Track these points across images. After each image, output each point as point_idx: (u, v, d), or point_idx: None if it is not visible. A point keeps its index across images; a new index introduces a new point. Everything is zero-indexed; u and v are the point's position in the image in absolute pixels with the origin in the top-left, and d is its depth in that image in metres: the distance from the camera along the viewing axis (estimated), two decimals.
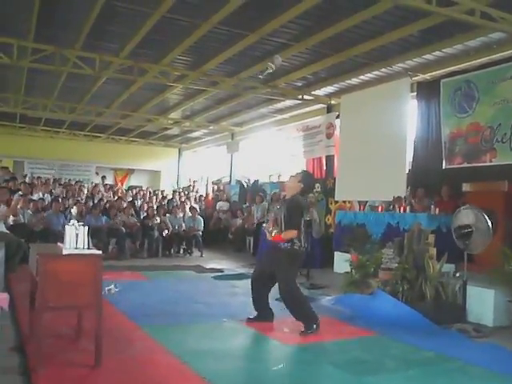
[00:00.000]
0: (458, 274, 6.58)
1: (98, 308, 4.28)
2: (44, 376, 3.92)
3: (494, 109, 9.16)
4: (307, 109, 15.21)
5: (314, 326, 5.59)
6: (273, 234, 5.73)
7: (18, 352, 4.52)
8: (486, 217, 6.33)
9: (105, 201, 14.31)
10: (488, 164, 9.20)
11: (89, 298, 4.27)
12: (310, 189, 6.15)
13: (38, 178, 17.73)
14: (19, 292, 6.41)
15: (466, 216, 6.48)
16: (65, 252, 4.29)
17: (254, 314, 6.06)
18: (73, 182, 18.34)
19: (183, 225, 13.88)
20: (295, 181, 5.91)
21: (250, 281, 6.14)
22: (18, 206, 10.98)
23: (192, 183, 21.24)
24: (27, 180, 16.14)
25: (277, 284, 5.85)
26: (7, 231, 8.90)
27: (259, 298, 6.02)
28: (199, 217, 14.38)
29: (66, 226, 4.46)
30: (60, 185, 17.00)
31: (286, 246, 5.67)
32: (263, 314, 6.02)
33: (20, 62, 10.71)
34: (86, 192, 16.09)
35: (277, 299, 6.19)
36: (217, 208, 17.25)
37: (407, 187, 10.16)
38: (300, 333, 5.56)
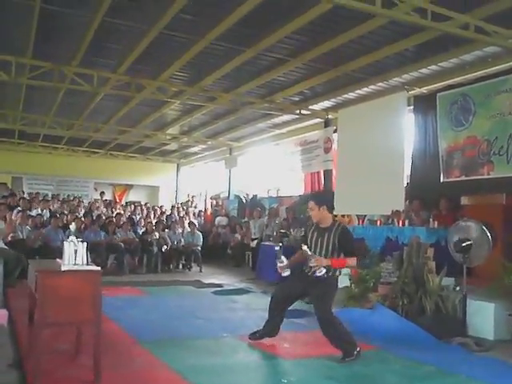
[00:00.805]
0: (458, 288, 6.56)
1: (97, 324, 4.27)
2: None
3: (490, 122, 9.19)
4: (305, 123, 15.24)
5: (355, 352, 5.25)
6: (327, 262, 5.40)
7: (16, 368, 4.49)
8: (486, 229, 6.35)
9: (104, 217, 14.30)
10: (486, 177, 9.21)
11: (88, 313, 4.25)
12: (331, 202, 5.87)
13: (37, 193, 17.74)
14: (18, 308, 6.39)
15: (465, 229, 6.48)
16: (63, 268, 4.29)
17: (247, 328, 6.00)
18: (71, 198, 18.35)
19: (182, 240, 13.87)
20: (317, 209, 5.63)
21: (248, 295, 6.09)
22: (17, 223, 11.00)
23: (191, 198, 21.25)
24: (26, 196, 16.13)
25: None
26: (6, 247, 8.89)
27: (278, 316, 5.76)
28: (198, 232, 14.38)
29: (65, 242, 4.46)
30: (58, 201, 17.00)
31: (324, 274, 5.34)
32: (270, 331, 5.79)
33: (18, 79, 10.74)
34: (83, 208, 16.09)
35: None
36: (215, 223, 17.24)
37: (405, 201, 10.16)
38: (340, 360, 5.21)
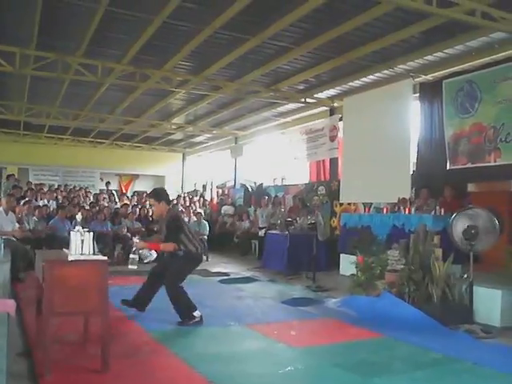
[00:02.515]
0: (465, 276, 6.55)
1: (105, 313, 4.29)
2: (51, 381, 3.94)
3: (496, 108, 9.14)
4: (310, 112, 15.20)
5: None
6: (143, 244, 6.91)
7: (25, 358, 4.54)
8: (493, 216, 6.33)
9: (111, 209, 14.29)
10: (492, 164, 9.17)
11: (95, 303, 4.27)
12: (167, 197, 6.76)
13: (41, 184, 17.77)
14: (26, 298, 6.43)
15: (470, 216, 6.45)
16: (70, 258, 4.31)
17: (263, 318, 6.20)
18: (77, 188, 18.38)
19: None
20: (156, 205, 6.56)
21: (255, 284, 6.18)
22: (23, 213, 11.05)
23: (200, 189, 21.23)
24: (33, 187, 16.17)
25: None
26: (13, 238, 8.94)
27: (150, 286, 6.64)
28: (204, 221, 14.40)
29: (71, 232, 4.48)
30: (64, 191, 17.02)
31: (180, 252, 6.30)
32: (143, 301, 6.52)
33: (23, 70, 10.74)
34: (91, 198, 16.14)
35: (282, 302, 6.17)
36: (222, 212, 17.25)
37: (412, 188, 10.14)
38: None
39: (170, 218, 6.36)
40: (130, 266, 6.17)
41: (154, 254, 6.14)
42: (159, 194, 6.58)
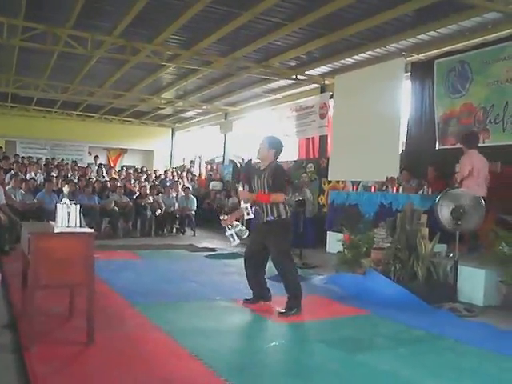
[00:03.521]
0: (451, 255, 6.60)
1: (90, 286, 4.29)
2: (36, 354, 3.93)
3: (487, 89, 9.15)
4: (301, 89, 15.16)
5: (295, 309, 5.53)
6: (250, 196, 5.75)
7: (10, 330, 4.54)
8: (479, 196, 6.38)
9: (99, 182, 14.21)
10: (481, 145, 9.19)
11: (81, 276, 4.26)
12: (281, 151, 5.93)
13: (29, 157, 17.67)
14: (11, 270, 6.42)
15: (456, 196, 6.48)
16: (56, 230, 4.29)
17: (250, 294, 5.97)
18: (66, 162, 18.27)
19: (176, 204, 13.89)
20: (265, 149, 5.78)
21: (241, 260, 6.12)
22: (10, 186, 10.98)
23: (187, 164, 21.19)
24: (19, 160, 16.06)
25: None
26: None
27: (254, 276, 5.89)
28: (192, 196, 14.39)
29: (58, 205, 4.45)
30: (52, 165, 16.90)
31: (272, 218, 5.60)
32: (260, 293, 5.90)
33: (11, 41, 10.60)
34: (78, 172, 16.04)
35: (268, 278, 6.19)
36: (210, 188, 17.24)
37: (400, 167, 10.17)
38: (279, 314, 5.49)
39: (280, 169, 5.80)
40: (233, 244, 5.92)
41: (252, 215, 5.75)
42: (274, 142, 5.85)
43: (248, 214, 5.71)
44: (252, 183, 5.80)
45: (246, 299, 5.95)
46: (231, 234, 5.76)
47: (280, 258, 5.59)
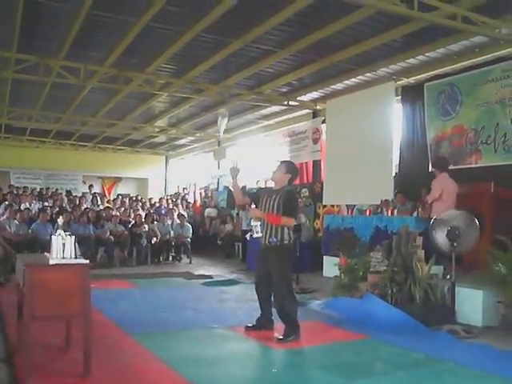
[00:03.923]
0: (448, 276, 6.59)
1: (87, 317, 4.26)
2: None
3: (477, 111, 9.26)
4: (293, 114, 15.27)
5: (293, 336, 5.49)
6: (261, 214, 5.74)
7: (6, 363, 4.48)
8: (472, 217, 6.41)
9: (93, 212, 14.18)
10: (473, 166, 9.29)
11: (77, 307, 4.23)
12: (296, 177, 6.12)
13: (25, 187, 17.63)
14: (6, 302, 6.37)
15: (449, 218, 6.51)
16: (51, 262, 4.27)
17: (249, 321, 5.98)
18: (61, 192, 18.22)
19: (172, 232, 13.87)
20: (281, 172, 5.85)
21: (239, 286, 6.11)
22: (4, 217, 10.94)
23: (182, 191, 21.20)
24: (14, 190, 16.03)
25: None
26: None
27: (264, 304, 5.90)
28: (188, 224, 14.37)
29: (53, 236, 4.43)
30: (46, 195, 16.86)
31: (275, 241, 5.59)
32: (263, 322, 5.89)
33: (3, 73, 10.67)
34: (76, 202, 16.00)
35: None
36: (205, 215, 17.22)
37: (394, 190, 10.21)
38: (277, 340, 5.47)
39: (293, 194, 5.93)
40: (255, 235, 5.89)
41: (260, 234, 5.80)
42: (291, 167, 5.97)
43: (257, 232, 5.76)
44: (261, 202, 5.83)
45: (248, 326, 5.92)
46: (256, 226, 5.78)
47: (279, 284, 5.59)
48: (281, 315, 5.64)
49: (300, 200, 13.22)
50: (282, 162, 6.07)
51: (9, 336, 5.33)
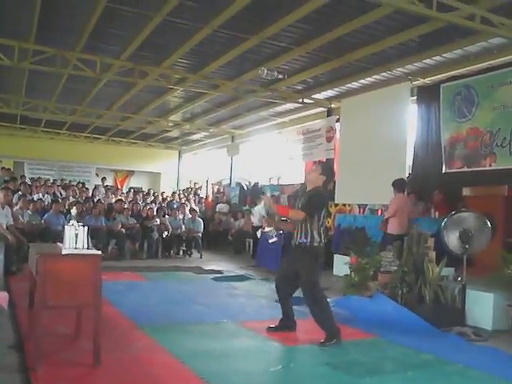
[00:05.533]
0: (459, 278, 6.56)
1: (97, 307, 4.29)
2: (42, 374, 3.93)
3: (493, 114, 9.18)
4: (307, 112, 15.24)
5: (334, 340, 5.34)
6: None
7: (16, 350, 4.53)
8: (485, 220, 6.37)
9: (105, 203, 14.27)
10: (488, 168, 9.21)
11: (88, 297, 4.27)
12: (330, 181, 6.19)
13: (38, 178, 17.74)
14: (19, 291, 6.42)
15: (462, 220, 6.48)
16: (64, 252, 4.30)
17: (246, 314, 6.03)
18: (74, 183, 18.32)
19: (183, 226, 13.91)
20: (317, 173, 5.81)
21: (248, 282, 6.11)
22: (18, 207, 11.02)
23: (194, 186, 21.25)
24: (27, 181, 16.13)
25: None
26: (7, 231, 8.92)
27: (284, 303, 5.84)
28: (199, 219, 14.41)
29: (66, 226, 4.47)
30: (59, 186, 16.95)
31: (305, 241, 5.50)
32: (286, 322, 5.81)
33: (21, 64, 10.72)
34: (89, 194, 16.10)
35: (276, 301, 6.17)
36: (217, 210, 17.26)
37: (407, 191, 10.16)
38: (319, 344, 5.32)
39: (318, 193, 5.67)
40: (270, 241, 6.02)
41: (275, 238, 5.90)
42: (328, 170, 5.96)
43: (272, 237, 5.87)
44: (296, 203, 5.84)
45: (270, 327, 5.82)
46: (270, 230, 5.83)
47: (306, 292, 5.53)
48: (315, 320, 5.55)
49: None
50: (319, 163, 6.16)
51: (20, 324, 5.38)
